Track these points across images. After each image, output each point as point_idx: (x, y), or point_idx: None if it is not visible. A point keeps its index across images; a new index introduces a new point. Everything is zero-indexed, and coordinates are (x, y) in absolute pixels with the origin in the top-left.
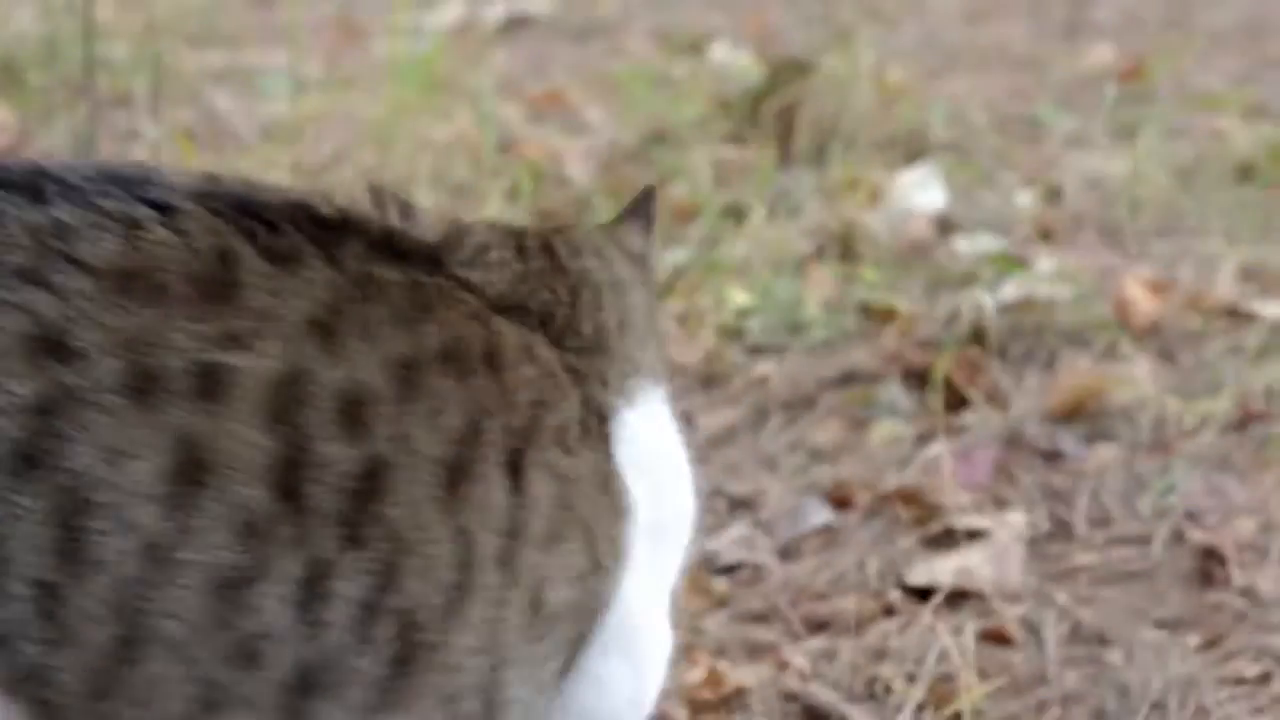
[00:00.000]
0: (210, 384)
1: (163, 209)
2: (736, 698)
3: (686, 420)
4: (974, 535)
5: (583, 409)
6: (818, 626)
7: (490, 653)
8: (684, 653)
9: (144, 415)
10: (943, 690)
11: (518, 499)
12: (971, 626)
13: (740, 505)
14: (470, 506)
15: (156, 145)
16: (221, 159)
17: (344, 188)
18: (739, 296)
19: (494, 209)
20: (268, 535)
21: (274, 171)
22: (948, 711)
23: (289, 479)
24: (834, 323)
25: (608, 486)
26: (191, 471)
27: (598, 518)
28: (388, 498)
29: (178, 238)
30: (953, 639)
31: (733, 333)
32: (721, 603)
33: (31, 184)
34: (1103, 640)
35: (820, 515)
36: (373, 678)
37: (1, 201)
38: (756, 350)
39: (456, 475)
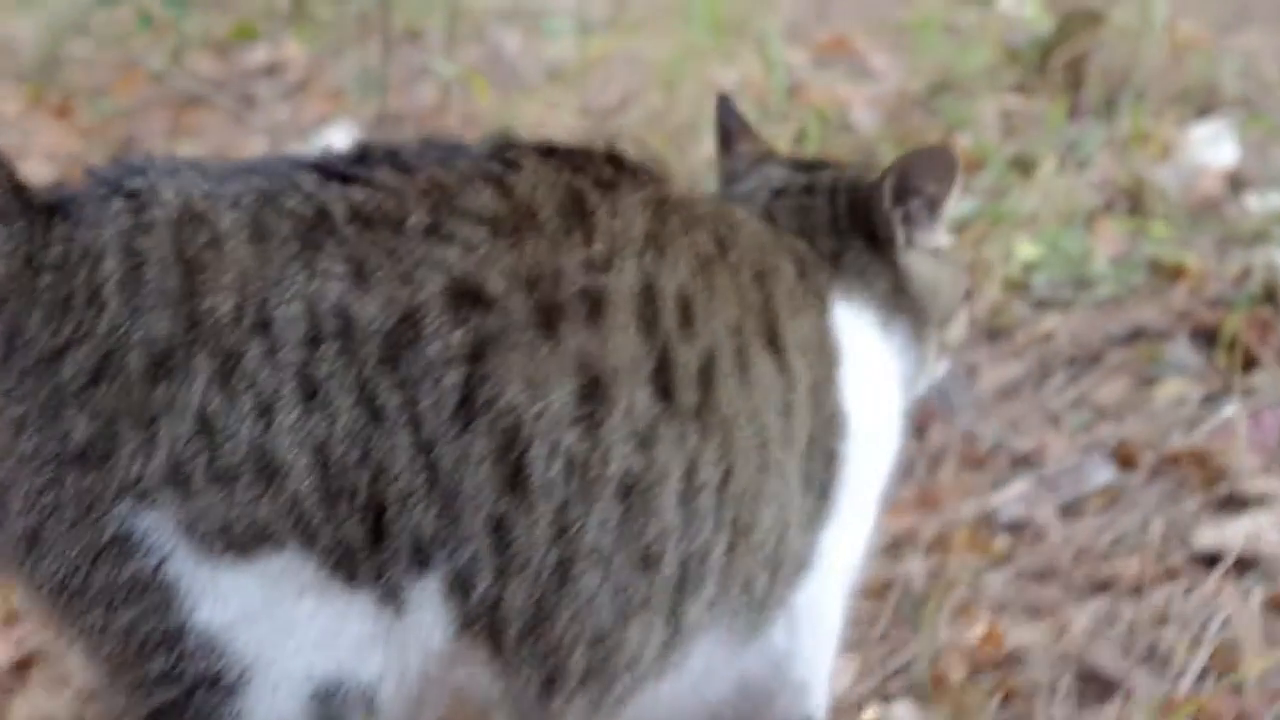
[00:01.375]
0: (594, 306)
1: (506, 163)
2: (1016, 657)
3: (971, 372)
4: (1263, 500)
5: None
6: (1099, 587)
7: (779, 527)
8: (964, 609)
9: (552, 345)
10: (1226, 657)
11: (784, 375)
12: (1259, 593)
13: (1022, 462)
14: (757, 389)
15: (446, 84)
16: (508, 100)
17: (630, 130)
18: (1026, 249)
19: None
20: (656, 437)
21: (560, 113)
22: (1231, 680)
23: (663, 379)
24: (1122, 278)
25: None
26: (594, 389)
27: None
28: (719, 388)
29: (534, 180)
30: (1239, 605)
31: (1019, 286)
32: (1002, 560)
33: (391, 156)
34: None
35: (1104, 474)
36: (719, 566)
37: (374, 169)
38: (1042, 304)
39: (744, 360)
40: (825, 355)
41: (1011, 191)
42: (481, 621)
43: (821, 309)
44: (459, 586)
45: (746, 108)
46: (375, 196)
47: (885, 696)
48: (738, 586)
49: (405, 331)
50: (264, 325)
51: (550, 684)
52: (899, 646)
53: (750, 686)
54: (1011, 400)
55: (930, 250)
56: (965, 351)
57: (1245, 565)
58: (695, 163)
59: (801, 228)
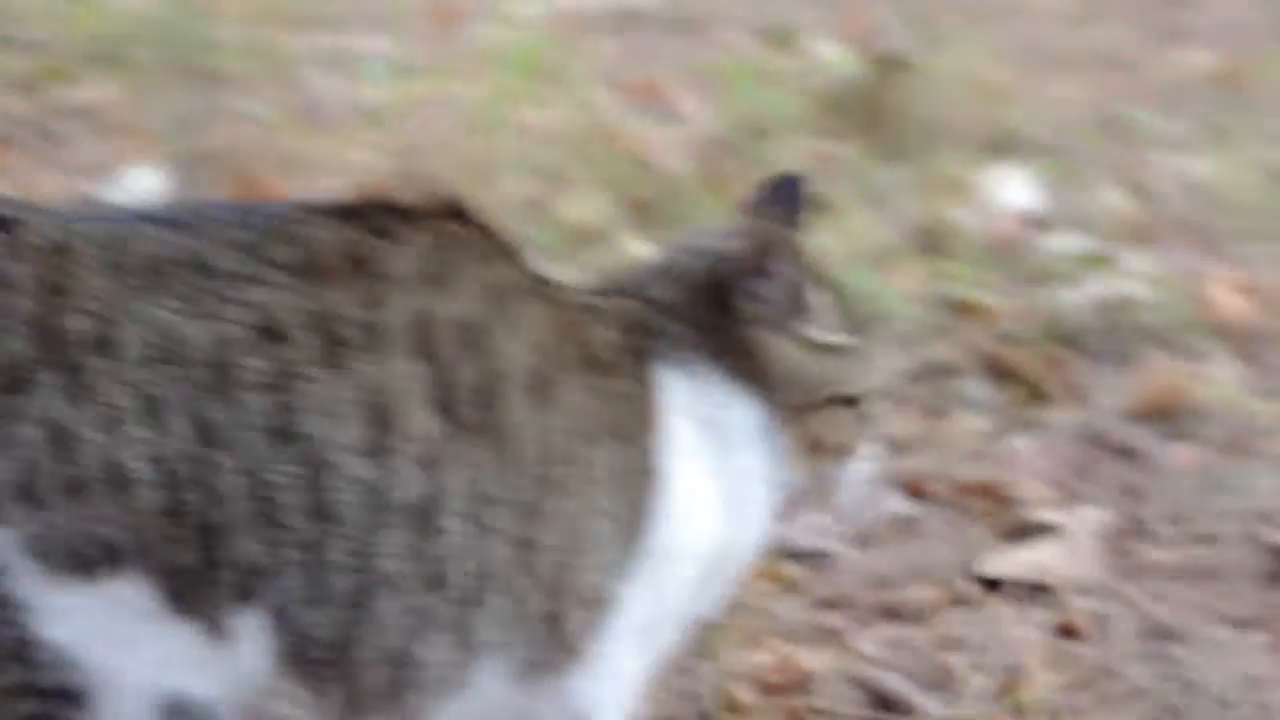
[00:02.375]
0: (371, 339)
1: (300, 220)
2: (806, 682)
3: None
4: (1049, 529)
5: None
6: (889, 614)
7: (567, 553)
8: (754, 637)
9: (340, 376)
10: (1011, 681)
11: (589, 405)
12: (1042, 619)
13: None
14: (554, 410)
15: (265, 126)
16: (323, 142)
17: (440, 172)
18: None
19: (585, 196)
20: (439, 457)
21: (373, 154)
22: (1015, 702)
23: (442, 400)
24: (916, 316)
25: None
26: (380, 416)
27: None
28: (503, 405)
29: (325, 234)
30: (1023, 631)
31: None
32: (792, 587)
33: (196, 219)
34: (1173, 636)
35: (895, 504)
36: (503, 582)
37: (208, 228)
38: None
39: (540, 381)
40: (638, 408)
41: (812, 232)
42: (294, 652)
43: (641, 364)
44: (278, 618)
45: (558, 152)
46: (201, 246)
47: None
48: (525, 610)
49: (225, 360)
50: (110, 345)
51: (350, 705)
52: (687, 671)
53: None
54: None
55: (802, 338)
56: None
57: (1031, 592)
58: (499, 202)
59: (660, 292)
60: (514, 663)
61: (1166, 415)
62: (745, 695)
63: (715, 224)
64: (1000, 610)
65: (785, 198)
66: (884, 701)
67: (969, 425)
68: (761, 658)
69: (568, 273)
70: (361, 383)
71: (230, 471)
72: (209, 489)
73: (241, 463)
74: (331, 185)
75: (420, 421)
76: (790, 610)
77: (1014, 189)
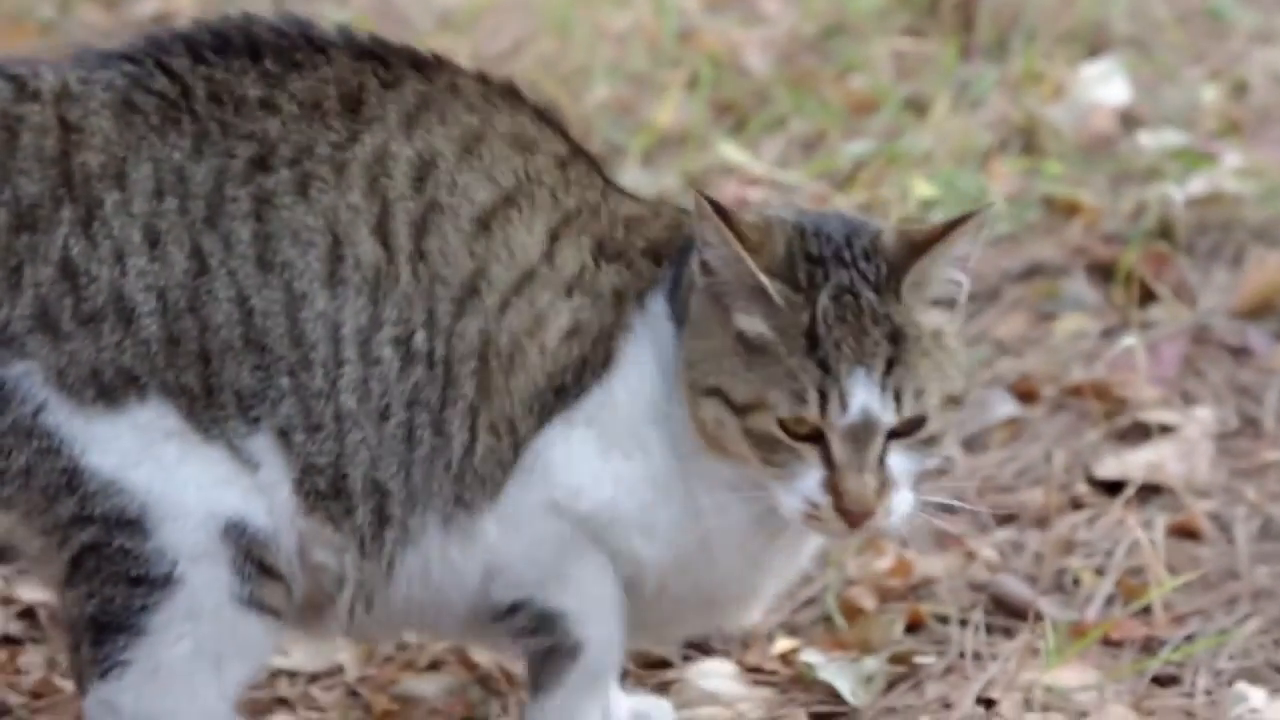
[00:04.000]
0: (336, 172)
1: (324, 50)
2: (924, 586)
3: None
4: (1163, 430)
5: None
6: (1005, 518)
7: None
8: (872, 542)
9: (307, 206)
10: (1132, 584)
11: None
12: (1161, 520)
13: None
14: (502, 246)
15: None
16: None
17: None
18: (922, 188)
19: (674, 100)
20: (380, 289)
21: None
22: (1137, 604)
23: (383, 232)
24: (1017, 216)
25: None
26: (336, 247)
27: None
28: (436, 238)
29: (338, 71)
30: (1143, 532)
31: (916, 224)
32: None
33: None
34: None
35: (1006, 407)
36: (433, 410)
37: (233, 56)
38: None
39: (496, 216)
40: (610, 293)
41: (906, 132)
42: (304, 480)
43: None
44: (282, 443)
45: (637, 53)
46: (228, 77)
47: (794, 628)
48: (449, 445)
49: (218, 192)
50: (120, 179)
51: (363, 535)
52: (806, 580)
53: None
54: None
55: (726, 321)
56: None
57: (1148, 494)
58: (588, 108)
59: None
60: (443, 504)
61: (1275, 313)
62: (865, 601)
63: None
64: (1118, 512)
65: (953, 220)
66: (1004, 605)
67: (1076, 326)
68: (880, 563)
69: (662, 178)
70: (322, 213)
71: (222, 299)
72: (204, 317)
73: (232, 290)
74: None
75: (364, 252)
76: None
77: (1106, 85)
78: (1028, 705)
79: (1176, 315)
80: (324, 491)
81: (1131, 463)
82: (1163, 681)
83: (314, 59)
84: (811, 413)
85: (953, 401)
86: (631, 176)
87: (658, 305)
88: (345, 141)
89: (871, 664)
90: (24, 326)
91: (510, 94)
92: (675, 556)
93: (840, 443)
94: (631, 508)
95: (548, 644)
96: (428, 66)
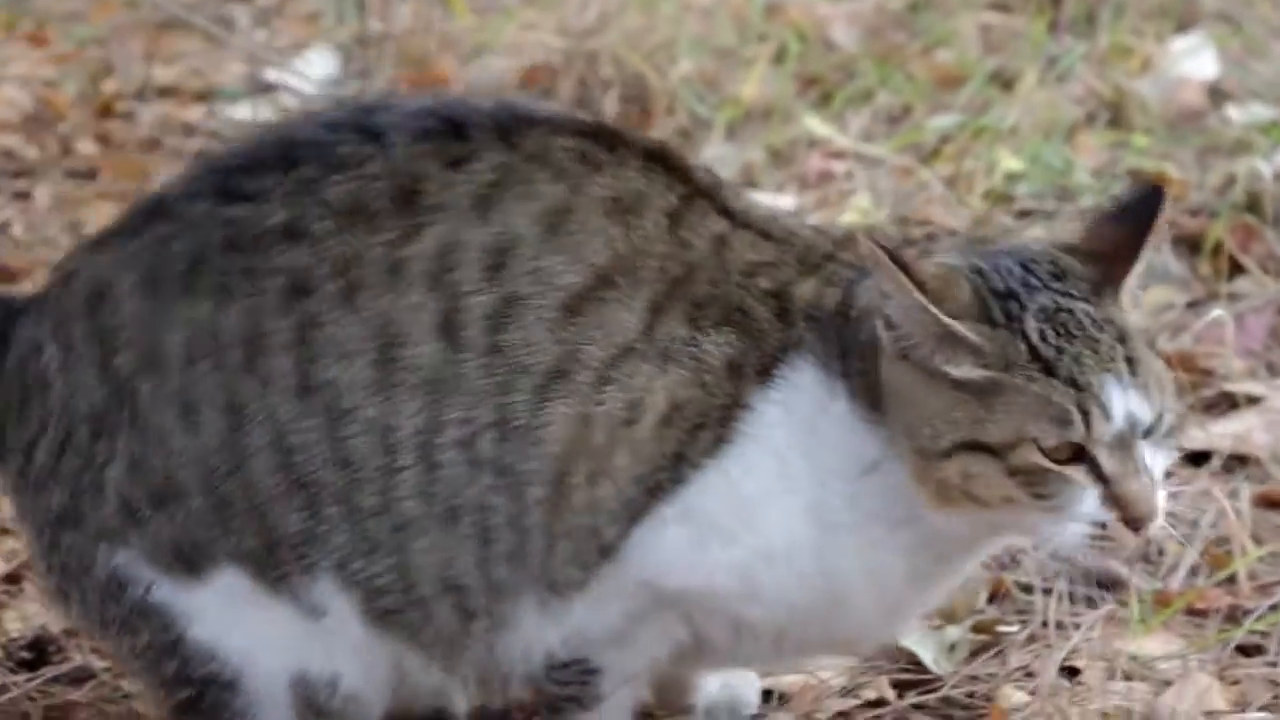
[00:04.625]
0: (391, 273)
1: (379, 137)
2: (1007, 555)
3: None
4: (1250, 400)
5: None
6: None
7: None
8: None
9: (354, 314)
10: (1217, 554)
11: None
12: (1247, 490)
13: None
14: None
15: (425, 6)
16: (486, 21)
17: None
18: (1008, 161)
19: (759, 73)
20: (440, 387)
21: (538, 34)
22: (1222, 575)
23: (449, 328)
24: (1104, 188)
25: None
26: (389, 350)
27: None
28: (516, 329)
29: (386, 166)
30: (1228, 502)
31: (1002, 197)
32: None
33: (281, 153)
34: None
35: None
36: (504, 517)
37: (263, 175)
38: (1025, 214)
39: (588, 299)
40: (735, 371)
41: (992, 106)
42: (370, 607)
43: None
44: (342, 577)
45: (723, 27)
46: (249, 211)
47: None
48: (532, 543)
49: (254, 332)
50: (154, 362)
51: (443, 650)
52: None
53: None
54: None
55: (934, 372)
56: None
57: (1234, 464)
58: (673, 83)
59: None
60: (536, 591)
61: None
62: None
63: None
64: (1204, 483)
65: (1140, 211)
66: (1090, 576)
67: (1163, 298)
68: None
69: (747, 151)
70: (372, 319)
71: (264, 448)
72: (246, 473)
73: (273, 433)
74: (503, 66)
75: (422, 351)
76: None
77: (1194, 58)
78: (1111, 674)
79: (1264, 287)
80: (390, 609)
81: (1217, 433)
82: (1248, 651)
83: (361, 153)
84: (1078, 433)
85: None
86: (715, 151)
87: (797, 373)
88: (400, 239)
89: (954, 632)
90: (117, 520)
91: (614, 143)
92: (803, 616)
93: (1108, 455)
94: (732, 586)
95: (572, 693)
96: (511, 130)
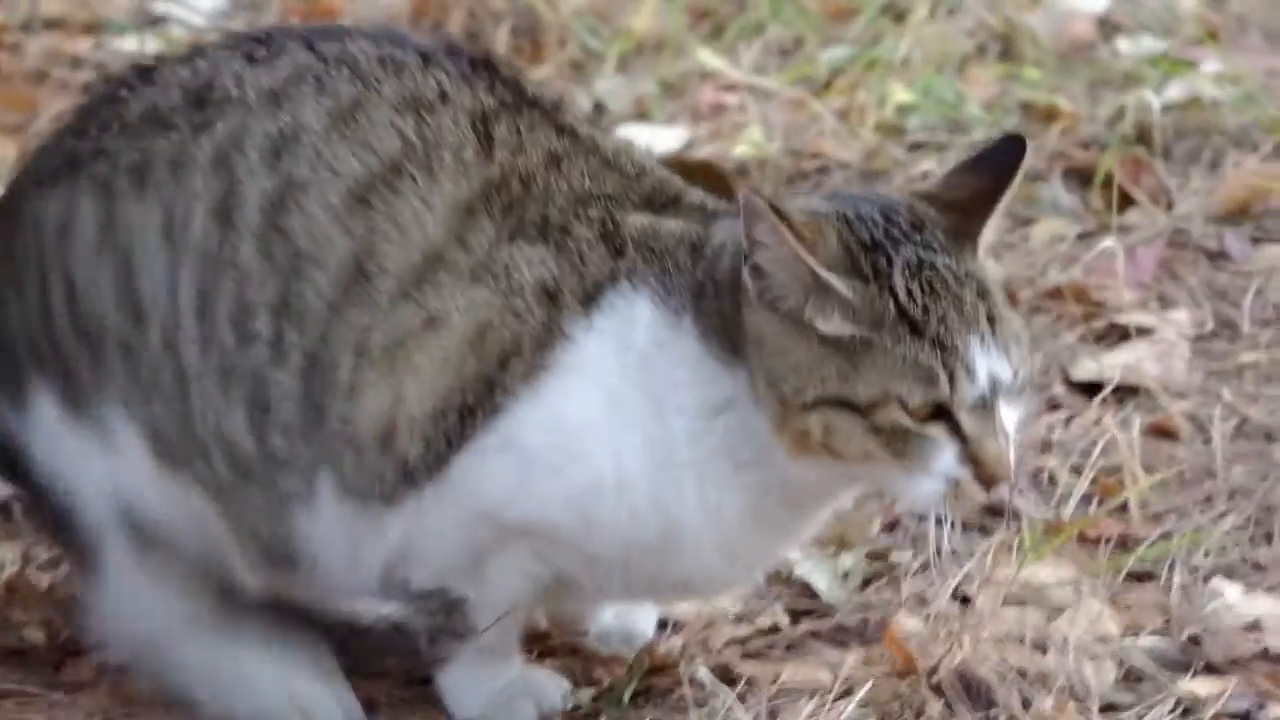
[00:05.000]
0: (179, 166)
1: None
2: None
3: None
4: (1140, 332)
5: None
6: None
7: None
8: None
9: (140, 205)
10: (1109, 483)
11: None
12: (1138, 420)
13: None
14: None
15: None
16: None
17: None
18: (900, 94)
19: (651, 6)
20: (215, 261)
21: None
22: (1114, 503)
23: (225, 209)
24: (995, 121)
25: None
26: (169, 230)
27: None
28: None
29: (183, 73)
30: (1119, 432)
31: (893, 130)
32: None
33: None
34: (1269, 436)
35: None
36: (290, 394)
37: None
38: (917, 147)
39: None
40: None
41: (884, 38)
42: (157, 442)
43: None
44: (131, 413)
45: None
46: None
47: None
48: (321, 427)
49: (69, 216)
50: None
51: (222, 496)
52: None
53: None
54: None
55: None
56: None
57: (1125, 394)
58: (565, 16)
59: None
60: (330, 484)
61: (1252, 217)
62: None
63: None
64: (1095, 413)
65: (998, 161)
66: (982, 503)
67: (1054, 230)
68: None
69: (639, 84)
70: (156, 205)
71: (56, 286)
72: (48, 310)
73: (63, 279)
74: (390, 1)
75: (196, 230)
76: None
77: None
78: (1004, 601)
79: (1154, 219)
80: (175, 449)
81: (1109, 364)
82: (1139, 578)
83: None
84: (943, 394)
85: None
86: (607, 84)
87: (628, 304)
88: (190, 134)
89: (848, 560)
90: None
91: (435, 55)
92: (641, 550)
93: (969, 415)
94: (566, 519)
95: (442, 624)
96: (319, 38)
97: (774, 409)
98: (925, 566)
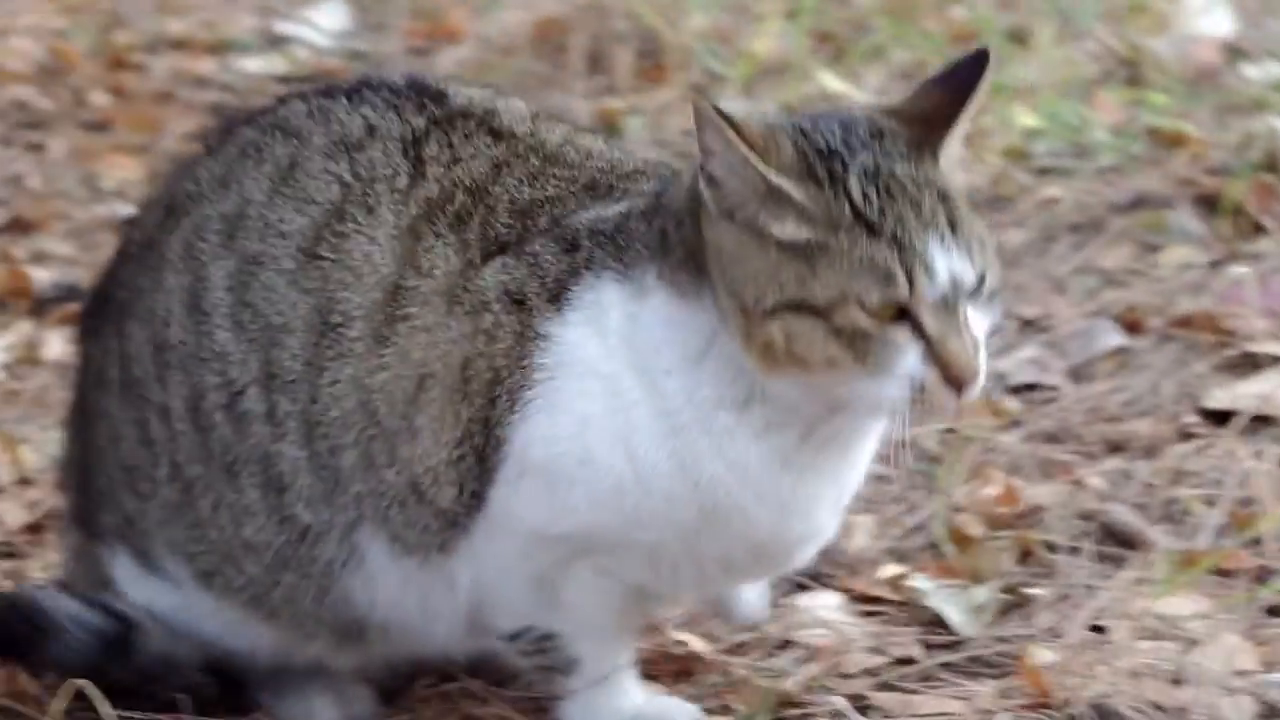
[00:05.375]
0: (157, 269)
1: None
2: (1033, 515)
3: None
4: (1273, 360)
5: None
6: (1113, 448)
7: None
8: (978, 469)
9: (135, 320)
10: (1242, 514)
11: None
12: (1272, 451)
13: (1029, 327)
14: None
15: None
16: None
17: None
18: (1025, 119)
19: (773, 28)
20: (196, 354)
21: None
22: (1248, 535)
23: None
24: (1122, 147)
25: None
26: (158, 335)
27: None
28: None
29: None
30: (1253, 463)
31: (1019, 154)
32: (1014, 422)
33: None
34: None
35: (1112, 338)
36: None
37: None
38: (1044, 172)
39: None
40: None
41: (1008, 63)
42: (195, 565)
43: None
44: (169, 544)
45: None
46: None
47: (902, 555)
48: (345, 491)
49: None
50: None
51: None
52: (912, 506)
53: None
54: (1015, 267)
55: (756, 230)
56: None
57: (1258, 425)
58: (687, 38)
59: None
60: (388, 535)
61: None
62: (973, 528)
63: None
64: (1227, 444)
65: (962, 75)
66: (1114, 535)
67: (1182, 258)
68: (987, 491)
69: (762, 107)
70: (144, 312)
71: (103, 438)
72: (101, 460)
73: (106, 429)
74: (516, 20)
75: (175, 328)
76: (1013, 444)
77: (1210, 16)
78: (1139, 633)
79: None
80: (209, 567)
81: (1241, 393)
82: (1275, 611)
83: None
84: (902, 292)
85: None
86: (731, 107)
87: (594, 291)
88: (160, 233)
89: (981, 593)
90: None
91: (360, 91)
92: (692, 528)
93: (931, 314)
94: (603, 521)
95: (546, 663)
96: (260, 112)
97: (738, 321)
98: (1060, 599)
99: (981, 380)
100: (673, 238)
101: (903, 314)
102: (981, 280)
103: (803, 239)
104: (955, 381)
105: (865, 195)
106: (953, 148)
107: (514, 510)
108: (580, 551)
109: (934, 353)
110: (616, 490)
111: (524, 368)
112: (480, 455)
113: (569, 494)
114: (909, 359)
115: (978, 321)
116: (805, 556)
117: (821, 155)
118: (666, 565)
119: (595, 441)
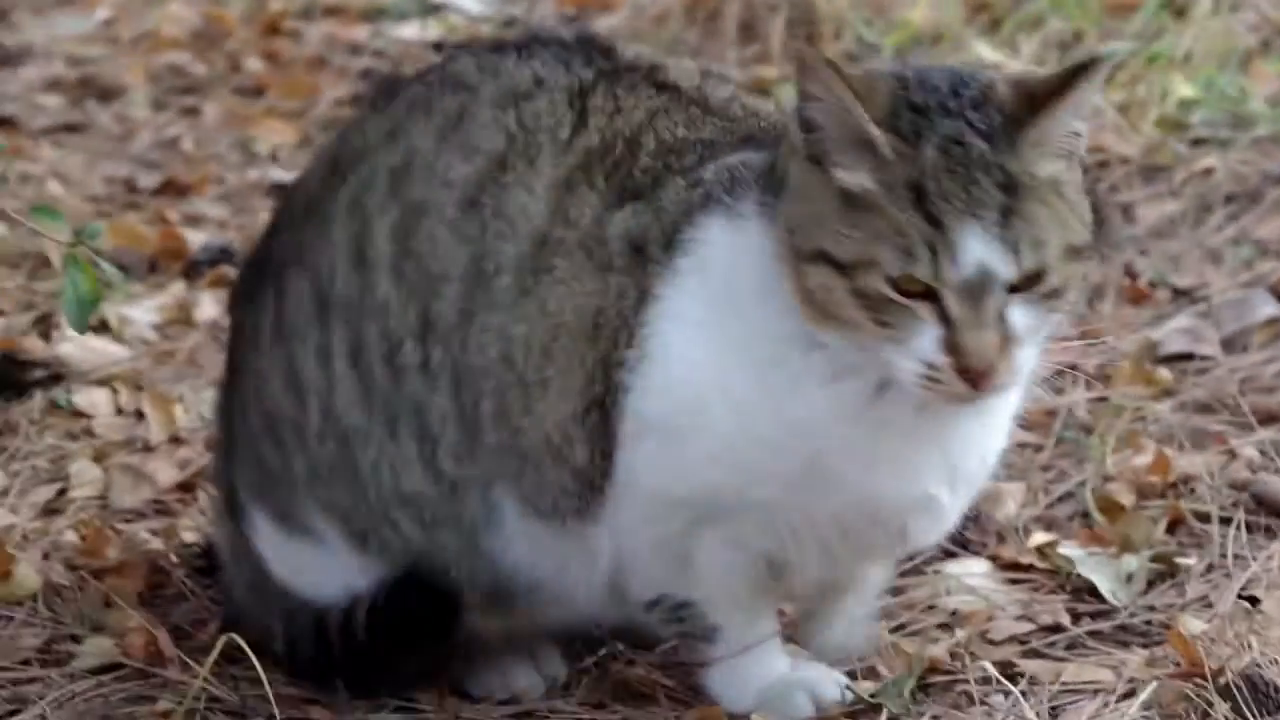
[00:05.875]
0: (324, 222)
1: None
2: (1183, 484)
3: (1126, 212)
4: None
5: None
6: (1267, 419)
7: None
8: (1130, 438)
9: (303, 277)
10: None
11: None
12: None
13: (1183, 296)
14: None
15: None
16: None
17: None
18: (1182, 88)
19: None
20: (359, 307)
21: None
22: None
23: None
24: (1279, 117)
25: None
26: (318, 290)
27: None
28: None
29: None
30: None
31: (1176, 125)
32: (1167, 392)
33: None
34: None
35: (1268, 308)
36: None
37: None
38: (1199, 143)
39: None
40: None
41: (1165, 33)
42: (348, 525)
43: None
44: (318, 502)
45: None
46: None
47: (1050, 523)
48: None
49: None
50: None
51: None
52: (1063, 475)
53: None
54: (1170, 237)
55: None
56: (1121, 190)
57: None
58: (841, 6)
59: None
60: (520, 497)
61: None
62: (1124, 497)
63: None
64: None
65: (1069, 74)
66: (1266, 505)
67: None
68: (1138, 460)
69: None
70: (307, 269)
71: (249, 396)
72: (244, 417)
73: (251, 382)
74: None
75: (338, 279)
76: (1165, 414)
77: None
78: None
79: None
80: (364, 526)
81: None
82: None
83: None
84: (922, 269)
85: (1076, 253)
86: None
87: (704, 231)
88: (327, 192)
89: (1131, 562)
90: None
91: (530, 45)
92: (799, 483)
93: (956, 299)
94: (717, 479)
95: (685, 630)
96: (428, 71)
97: (788, 260)
98: (1210, 568)
99: (1005, 378)
100: (778, 169)
101: (930, 293)
102: (1034, 278)
103: (859, 189)
104: (967, 373)
105: (934, 163)
106: (1049, 140)
107: (636, 472)
108: (704, 519)
109: (952, 339)
110: (724, 442)
111: (639, 319)
112: (604, 411)
113: (682, 452)
114: (925, 340)
115: (1021, 318)
116: (925, 533)
117: (913, 110)
118: (786, 529)
119: (701, 393)
